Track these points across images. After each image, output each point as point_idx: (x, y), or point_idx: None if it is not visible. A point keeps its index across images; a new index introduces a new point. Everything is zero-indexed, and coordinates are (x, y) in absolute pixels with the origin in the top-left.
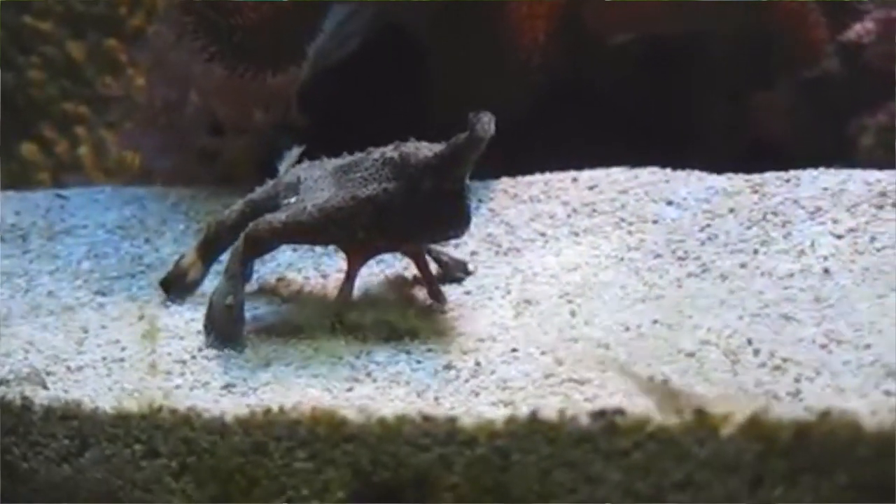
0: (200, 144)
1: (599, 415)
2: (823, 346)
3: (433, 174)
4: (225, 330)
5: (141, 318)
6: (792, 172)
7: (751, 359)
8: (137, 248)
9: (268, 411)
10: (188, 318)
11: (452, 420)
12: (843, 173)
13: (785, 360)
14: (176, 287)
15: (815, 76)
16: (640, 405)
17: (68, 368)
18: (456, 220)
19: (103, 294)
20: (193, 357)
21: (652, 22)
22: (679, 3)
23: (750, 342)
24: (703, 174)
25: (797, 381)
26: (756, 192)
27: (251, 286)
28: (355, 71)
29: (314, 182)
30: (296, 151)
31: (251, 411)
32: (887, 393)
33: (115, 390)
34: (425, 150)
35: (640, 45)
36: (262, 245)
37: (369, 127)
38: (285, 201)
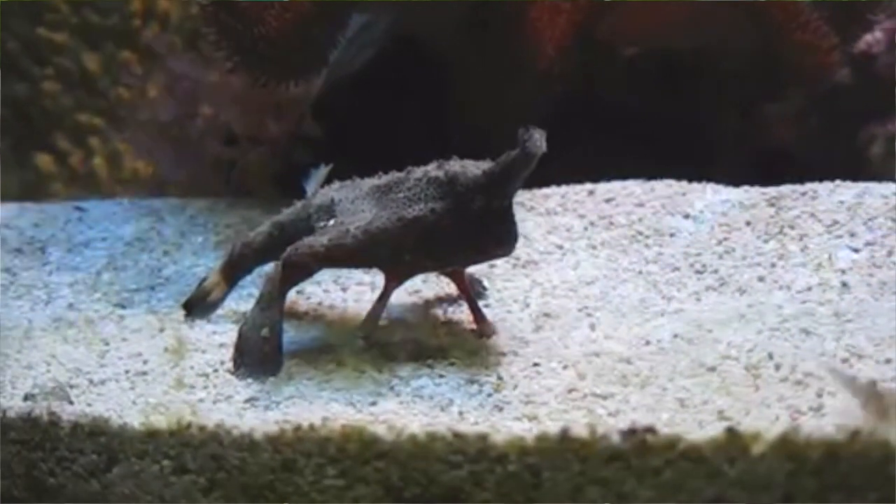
0: (214, 155)
1: (630, 433)
2: (845, 361)
3: (483, 193)
4: (261, 362)
5: (162, 330)
6: (808, 185)
7: (772, 373)
8: (156, 260)
9: (297, 428)
10: (210, 331)
11: (483, 437)
12: (860, 186)
13: (806, 374)
14: (197, 308)
15: (826, 87)
16: (663, 419)
17: (91, 382)
18: (505, 240)
19: (123, 306)
20: (216, 370)
21: (665, 36)
22: (692, 18)
23: (771, 356)
24: (719, 187)
25: (819, 395)
26: (773, 205)
27: None
28: (369, 82)
29: (351, 203)
30: (323, 170)
31: (280, 428)
32: None
33: (139, 404)
34: (472, 168)
35: (655, 58)
36: (301, 271)
37: (383, 138)
38: (320, 224)
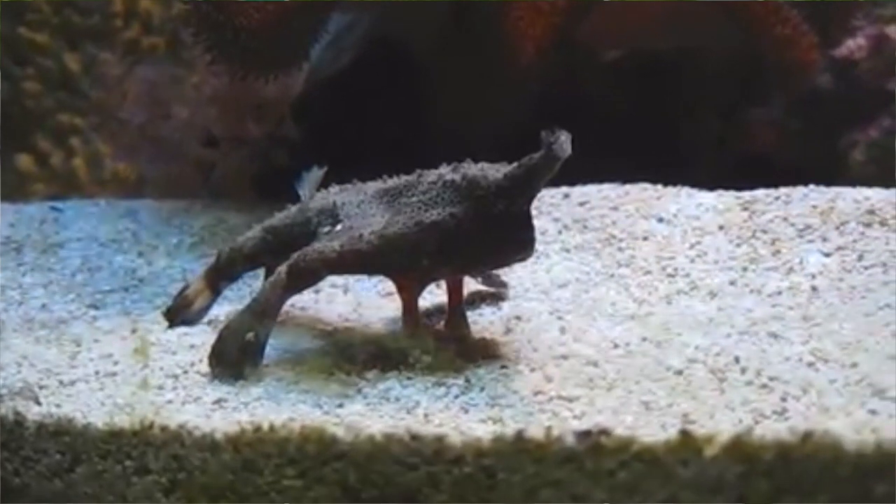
0: (193, 156)
1: (585, 435)
2: (810, 365)
3: (504, 196)
4: (237, 365)
5: (134, 331)
6: (782, 190)
7: (738, 377)
8: (131, 261)
9: (258, 429)
10: (181, 333)
11: (440, 439)
12: (833, 191)
13: (772, 378)
14: (180, 316)
15: (808, 91)
16: (627, 422)
17: (61, 383)
18: (525, 244)
19: (96, 307)
20: (185, 372)
21: (645, 36)
22: (672, 17)
23: (737, 360)
24: (694, 191)
25: (783, 399)
26: (746, 209)
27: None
28: (349, 84)
29: (357, 207)
30: (317, 173)
31: (241, 428)
32: (872, 412)
33: (107, 405)
34: (492, 171)
35: (635, 58)
36: (309, 277)
37: (362, 139)
38: (324, 229)
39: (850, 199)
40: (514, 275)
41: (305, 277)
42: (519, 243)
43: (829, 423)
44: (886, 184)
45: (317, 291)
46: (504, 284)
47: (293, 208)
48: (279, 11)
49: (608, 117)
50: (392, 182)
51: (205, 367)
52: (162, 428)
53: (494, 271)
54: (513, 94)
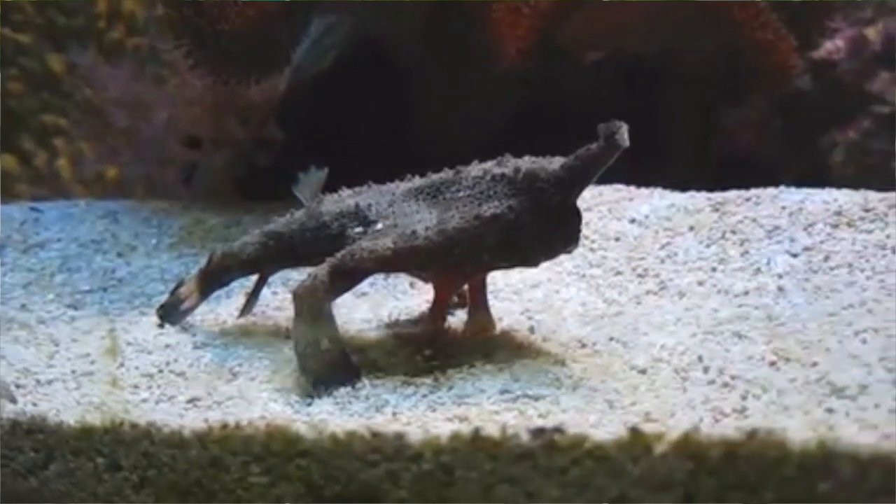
0: (176, 157)
1: (539, 432)
2: (772, 364)
3: (562, 188)
4: (336, 373)
5: (112, 331)
6: (753, 191)
7: (700, 376)
8: (110, 261)
9: (224, 426)
10: (157, 333)
11: (400, 436)
12: (803, 192)
13: (733, 377)
14: (171, 315)
15: (788, 93)
16: (590, 420)
17: (38, 382)
18: (575, 236)
19: (75, 308)
20: (160, 371)
21: (625, 38)
22: (652, 19)
23: (701, 359)
24: (666, 192)
25: (744, 398)
26: (717, 210)
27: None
28: (331, 85)
29: (389, 207)
30: (317, 176)
31: (209, 426)
32: (829, 411)
33: (82, 404)
34: (543, 163)
35: (617, 60)
36: (355, 277)
37: (344, 140)
38: (355, 231)
39: (819, 200)
40: (489, 276)
41: (352, 277)
42: (570, 235)
43: (786, 422)
44: (864, 184)
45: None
46: None
47: (297, 213)
48: (260, 16)
49: (589, 119)
50: (422, 180)
51: (179, 366)
52: (132, 426)
53: None
54: (494, 95)
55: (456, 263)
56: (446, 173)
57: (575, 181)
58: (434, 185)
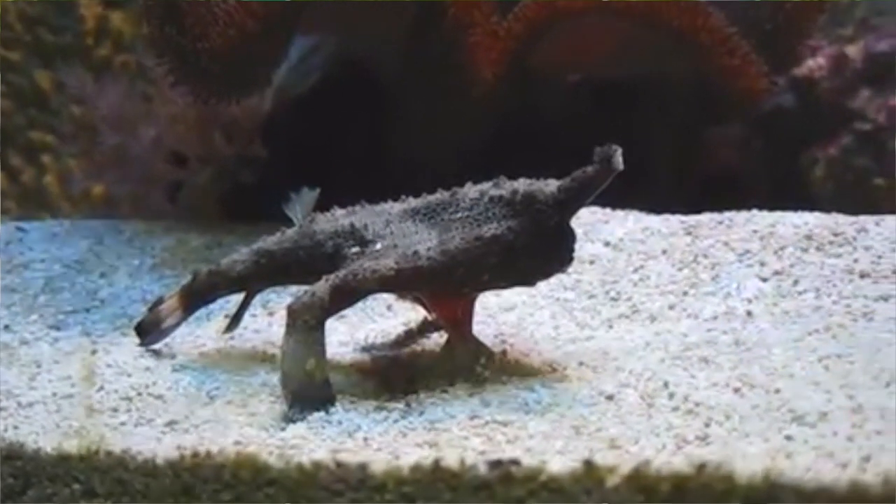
0: (161, 175)
1: (496, 464)
2: (736, 391)
3: (560, 209)
4: (312, 396)
5: (94, 352)
6: (726, 214)
7: (665, 402)
8: (92, 282)
9: (195, 455)
10: (136, 355)
11: (363, 467)
12: (775, 216)
13: (697, 403)
14: (150, 332)
15: (770, 110)
16: (556, 447)
17: (19, 404)
18: (569, 256)
19: (58, 328)
20: (140, 394)
21: (597, 62)
22: (623, 44)
23: (666, 385)
24: (641, 214)
25: (707, 425)
26: (690, 233)
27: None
28: (314, 104)
29: (386, 227)
30: (309, 195)
31: (181, 454)
32: (788, 438)
33: (62, 428)
34: (539, 185)
35: (591, 84)
36: (356, 296)
37: (327, 159)
38: (351, 251)
39: (790, 223)
40: None
41: (352, 297)
42: (565, 255)
43: (746, 449)
44: (845, 200)
45: (271, 314)
46: None
47: (289, 232)
48: (240, 36)
49: (566, 140)
50: (418, 201)
51: (157, 389)
52: (107, 453)
53: None
54: (471, 116)
55: (457, 284)
56: (442, 195)
57: (571, 202)
58: (430, 206)
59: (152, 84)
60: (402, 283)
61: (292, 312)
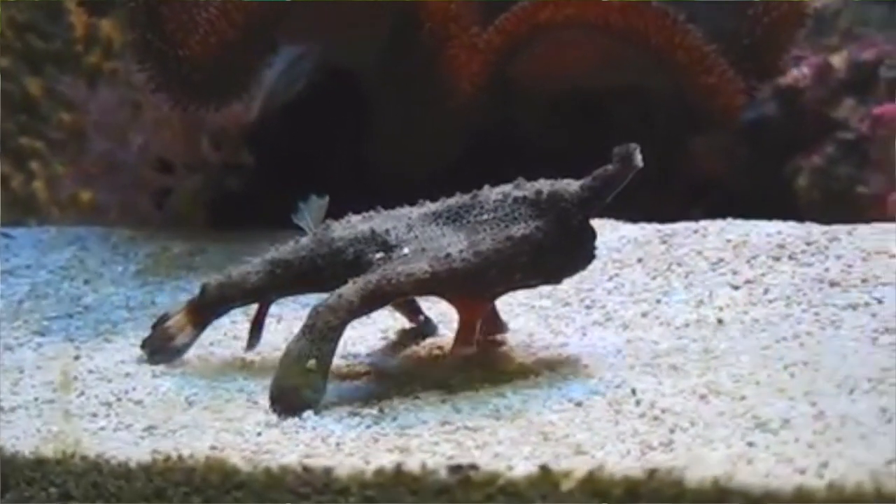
0: (149, 182)
1: (456, 469)
2: (703, 397)
3: (584, 207)
4: (297, 397)
5: (77, 358)
6: (702, 223)
7: (632, 409)
8: (76, 288)
9: (167, 458)
10: (117, 361)
11: (328, 471)
12: (749, 225)
13: (664, 410)
14: (160, 352)
15: (754, 119)
16: (524, 452)
17: (1, 409)
18: (591, 254)
19: (42, 334)
20: (119, 399)
21: (579, 76)
22: (602, 59)
23: (634, 392)
24: (618, 223)
25: (672, 431)
26: (665, 242)
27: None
28: (299, 112)
29: (409, 232)
30: (319, 203)
31: (153, 458)
32: (750, 444)
33: (42, 432)
34: (561, 184)
35: (573, 95)
36: (386, 300)
37: (312, 167)
38: (376, 256)
39: (764, 232)
40: (441, 305)
41: (384, 300)
42: (588, 253)
43: (709, 455)
44: (829, 209)
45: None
46: (429, 320)
47: (304, 240)
48: (221, 44)
49: (545, 151)
50: (438, 205)
51: (137, 394)
52: (83, 457)
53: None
54: (450, 127)
55: (490, 285)
56: (462, 198)
57: (594, 200)
58: (452, 210)
59: (141, 91)
60: (437, 285)
61: (317, 314)
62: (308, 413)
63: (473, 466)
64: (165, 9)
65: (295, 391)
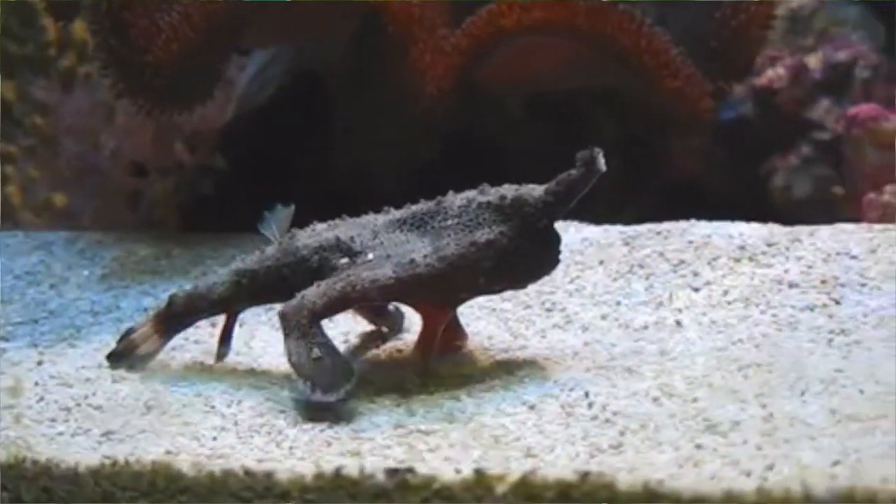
0: (122, 185)
1: (393, 472)
2: (655, 400)
3: (548, 212)
4: (331, 377)
5: (40, 363)
6: (664, 225)
7: (584, 411)
8: (42, 293)
9: (114, 463)
10: (79, 366)
11: (269, 475)
12: (712, 226)
13: (615, 413)
14: (125, 361)
15: (729, 120)
16: (474, 456)
17: None
18: (556, 259)
19: (6, 339)
20: (79, 405)
21: (547, 80)
22: (569, 63)
23: (587, 395)
24: (582, 225)
25: (622, 433)
26: (627, 244)
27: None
28: (271, 115)
29: (374, 239)
30: (284, 212)
31: (101, 463)
32: (698, 447)
33: (1, 437)
34: (526, 189)
35: (542, 98)
36: (349, 305)
37: (283, 170)
38: (340, 262)
39: (726, 234)
40: (404, 308)
41: (346, 305)
42: (553, 258)
43: (657, 458)
44: (803, 210)
45: (213, 325)
46: (396, 325)
47: (269, 250)
48: (184, 49)
49: (512, 156)
50: (403, 211)
51: (97, 399)
52: (33, 462)
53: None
54: (415, 131)
55: (454, 290)
56: (426, 204)
57: (558, 205)
58: (417, 216)
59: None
60: (402, 291)
61: (283, 317)
62: (265, 418)
63: (410, 470)
64: (128, 14)
65: (324, 375)
